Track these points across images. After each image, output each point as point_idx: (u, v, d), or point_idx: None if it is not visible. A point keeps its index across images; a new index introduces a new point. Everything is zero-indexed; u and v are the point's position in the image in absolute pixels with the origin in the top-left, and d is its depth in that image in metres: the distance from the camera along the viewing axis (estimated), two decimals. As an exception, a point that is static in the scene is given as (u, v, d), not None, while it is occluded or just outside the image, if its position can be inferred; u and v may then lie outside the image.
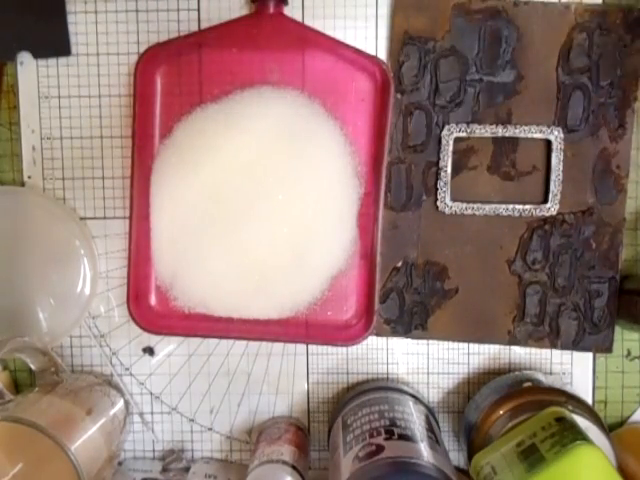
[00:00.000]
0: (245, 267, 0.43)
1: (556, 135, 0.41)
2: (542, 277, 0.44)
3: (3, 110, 0.46)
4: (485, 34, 0.43)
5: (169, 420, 0.48)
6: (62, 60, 0.45)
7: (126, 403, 0.47)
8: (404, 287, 0.45)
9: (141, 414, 0.48)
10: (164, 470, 0.47)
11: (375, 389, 0.44)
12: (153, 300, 0.46)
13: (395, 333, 0.45)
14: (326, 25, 0.44)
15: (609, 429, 0.43)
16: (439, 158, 0.43)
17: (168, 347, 0.47)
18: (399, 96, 0.43)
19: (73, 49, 0.45)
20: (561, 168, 0.42)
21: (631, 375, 0.47)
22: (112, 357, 0.47)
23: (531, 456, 0.35)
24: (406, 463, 0.35)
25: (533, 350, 0.46)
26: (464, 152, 0.44)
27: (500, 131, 0.42)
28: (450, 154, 0.43)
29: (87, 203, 0.46)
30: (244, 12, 0.44)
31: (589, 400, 0.46)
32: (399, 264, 0.45)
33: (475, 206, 0.43)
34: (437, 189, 0.43)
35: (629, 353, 0.46)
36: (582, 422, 0.38)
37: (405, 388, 0.45)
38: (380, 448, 0.36)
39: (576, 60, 0.43)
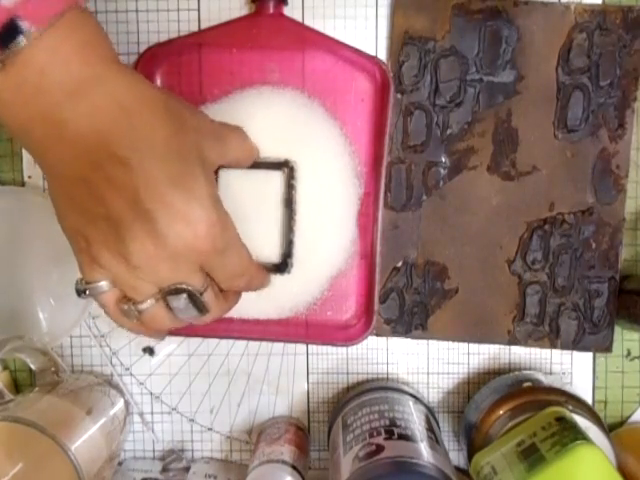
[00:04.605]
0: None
1: None
2: (542, 277, 0.44)
3: (3, 110, 0.46)
4: (485, 34, 0.43)
5: (169, 420, 0.48)
6: (62, 60, 0.45)
7: (126, 403, 0.47)
8: (404, 287, 0.45)
9: (141, 414, 0.48)
10: (164, 470, 0.47)
11: (375, 389, 0.44)
12: (153, 300, 0.45)
13: (395, 333, 0.45)
14: (326, 25, 0.44)
15: (609, 429, 0.43)
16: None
17: (168, 347, 0.47)
18: (399, 96, 0.43)
19: (73, 49, 0.45)
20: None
21: (631, 375, 0.46)
22: (112, 357, 0.47)
23: (531, 456, 0.35)
24: (406, 463, 0.35)
25: (533, 350, 0.46)
26: (464, 152, 0.44)
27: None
28: None
29: (87, 203, 0.46)
30: (244, 12, 0.44)
31: (589, 400, 0.46)
32: (399, 264, 0.45)
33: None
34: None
35: (629, 353, 0.46)
36: (582, 422, 0.38)
37: (405, 388, 0.45)
38: (380, 448, 0.36)
39: (576, 60, 0.43)
